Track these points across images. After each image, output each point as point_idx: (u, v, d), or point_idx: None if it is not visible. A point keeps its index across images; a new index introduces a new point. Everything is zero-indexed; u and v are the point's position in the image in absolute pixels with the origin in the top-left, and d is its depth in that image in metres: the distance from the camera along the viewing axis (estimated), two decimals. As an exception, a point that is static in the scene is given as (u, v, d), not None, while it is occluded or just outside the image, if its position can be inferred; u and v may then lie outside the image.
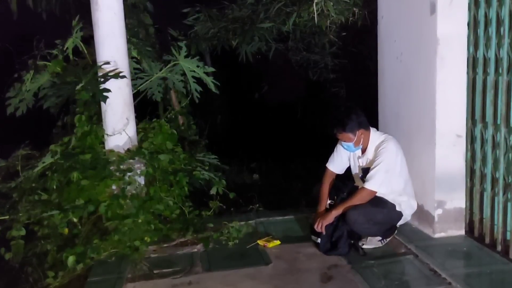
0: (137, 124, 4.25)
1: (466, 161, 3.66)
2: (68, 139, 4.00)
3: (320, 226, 3.52)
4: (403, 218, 3.70)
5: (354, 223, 3.44)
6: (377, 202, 3.55)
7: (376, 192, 3.52)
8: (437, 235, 3.67)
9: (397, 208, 3.62)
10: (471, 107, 3.61)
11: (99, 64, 3.91)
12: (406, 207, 3.68)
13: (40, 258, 3.67)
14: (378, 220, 3.51)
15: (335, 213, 3.52)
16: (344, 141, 3.62)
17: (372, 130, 3.69)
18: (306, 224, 4.01)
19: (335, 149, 3.85)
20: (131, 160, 3.93)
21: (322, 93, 7.35)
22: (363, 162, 3.72)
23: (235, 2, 5.60)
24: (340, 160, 3.83)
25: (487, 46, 3.44)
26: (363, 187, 3.54)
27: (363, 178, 3.63)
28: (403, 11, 3.95)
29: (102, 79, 3.86)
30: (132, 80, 4.26)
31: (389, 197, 3.61)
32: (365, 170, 3.64)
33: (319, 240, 3.56)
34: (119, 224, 3.68)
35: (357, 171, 3.80)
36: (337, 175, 3.88)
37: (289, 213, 4.38)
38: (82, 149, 3.89)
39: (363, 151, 3.70)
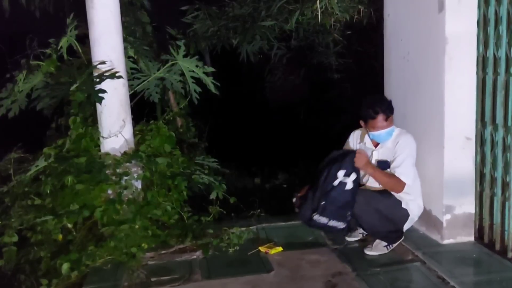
0: (134, 126, 4.23)
1: (475, 164, 3.63)
2: (62, 142, 3.98)
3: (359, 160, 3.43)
4: (410, 219, 3.63)
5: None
6: (382, 191, 3.53)
7: (405, 185, 3.47)
8: (445, 241, 3.64)
9: (403, 205, 3.55)
10: (481, 108, 3.59)
11: (95, 63, 3.89)
12: (414, 206, 3.62)
13: (33, 265, 3.62)
14: (380, 208, 3.44)
15: (372, 166, 3.46)
16: (379, 128, 3.53)
17: None
18: (309, 230, 3.95)
19: (345, 144, 3.88)
20: (127, 164, 3.90)
21: (326, 94, 7.36)
22: (378, 155, 3.64)
23: (236, 0, 5.58)
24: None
25: (497, 45, 3.41)
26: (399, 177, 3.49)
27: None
28: (410, 9, 3.93)
29: (97, 80, 3.83)
30: (128, 80, 4.25)
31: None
32: (381, 163, 3.58)
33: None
34: (115, 230, 3.65)
35: None
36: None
37: (292, 218, 4.29)
38: (77, 152, 3.87)
39: (377, 144, 3.66)
